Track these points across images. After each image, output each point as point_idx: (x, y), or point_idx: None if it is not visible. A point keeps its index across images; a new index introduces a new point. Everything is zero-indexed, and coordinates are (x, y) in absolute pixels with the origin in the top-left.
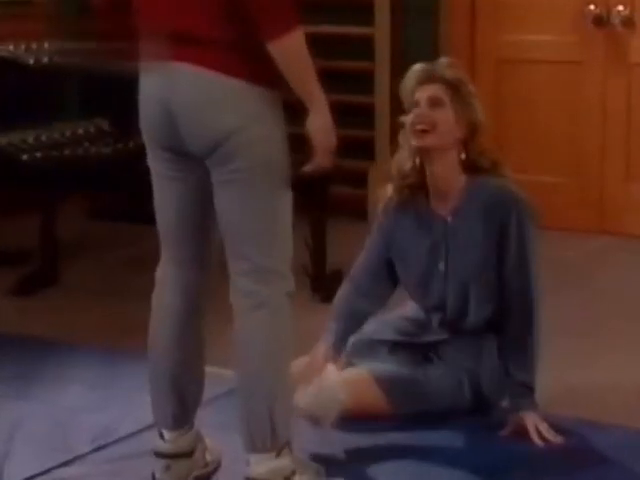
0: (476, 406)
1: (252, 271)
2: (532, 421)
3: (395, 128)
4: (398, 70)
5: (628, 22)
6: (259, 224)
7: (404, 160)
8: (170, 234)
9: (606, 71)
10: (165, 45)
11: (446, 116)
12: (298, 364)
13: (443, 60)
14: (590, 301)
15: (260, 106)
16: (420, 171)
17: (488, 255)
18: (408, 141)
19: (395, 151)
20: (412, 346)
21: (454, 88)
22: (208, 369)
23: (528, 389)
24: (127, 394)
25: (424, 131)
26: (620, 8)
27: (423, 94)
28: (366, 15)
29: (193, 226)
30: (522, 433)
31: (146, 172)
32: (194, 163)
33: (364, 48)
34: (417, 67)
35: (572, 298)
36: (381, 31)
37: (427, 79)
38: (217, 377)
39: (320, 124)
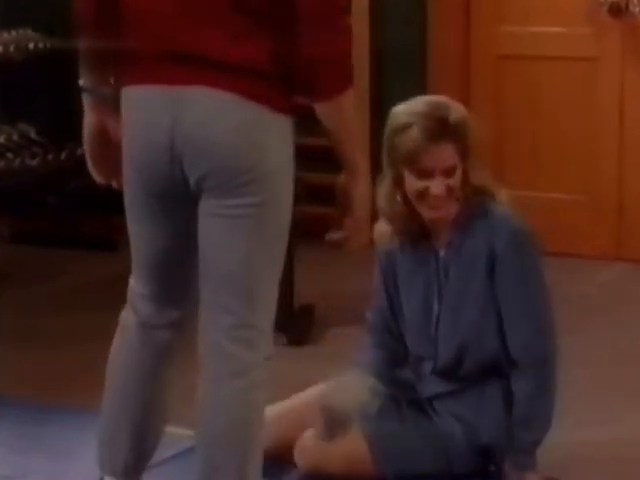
0: (477, 467)
1: (234, 327)
2: None
3: (376, 135)
4: (379, 69)
5: None
6: (250, 271)
7: (392, 199)
8: (150, 272)
9: (624, 68)
10: (173, 66)
11: (457, 181)
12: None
13: (449, 104)
14: (607, 343)
15: (278, 136)
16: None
17: (484, 294)
18: (391, 173)
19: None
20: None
21: (467, 149)
22: None
23: (531, 446)
24: (55, 458)
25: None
26: None
27: (437, 163)
28: None
29: (177, 264)
30: None
31: (81, 189)
32: (186, 203)
33: None
34: (419, 108)
35: (585, 339)
36: (359, 23)
37: (439, 135)
38: (167, 436)
39: (360, 195)
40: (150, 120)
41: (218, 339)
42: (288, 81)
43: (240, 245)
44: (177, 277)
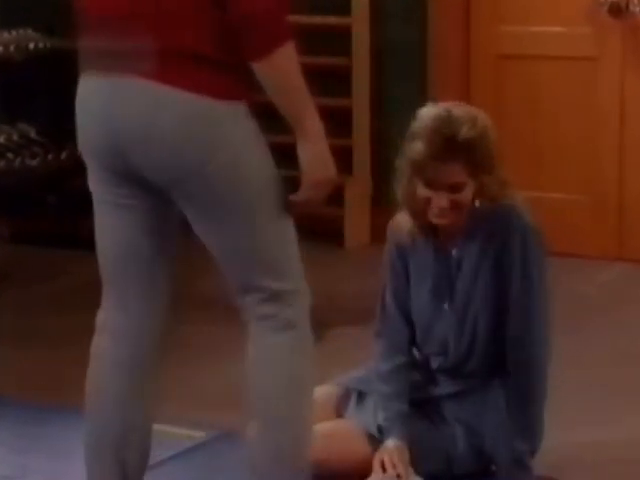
0: (479, 469)
1: (268, 298)
2: None
3: (376, 134)
4: (380, 69)
5: None
6: (261, 253)
7: (406, 195)
8: (116, 272)
9: (624, 68)
10: (118, 57)
11: (466, 197)
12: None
13: (464, 119)
14: (607, 343)
15: (232, 124)
16: None
17: (494, 292)
18: (405, 172)
19: (376, 163)
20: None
21: (479, 166)
22: (156, 427)
23: (524, 457)
24: (55, 458)
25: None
26: None
27: (440, 179)
28: (341, 2)
29: (144, 262)
30: None
31: (82, 189)
32: (148, 188)
33: (339, 41)
34: (429, 122)
35: (585, 339)
36: (360, 21)
37: (444, 153)
38: (167, 437)
39: (312, 153)
40: (93, 113)
41: (258, 309)
42: (238, 68)
43: (238, 237)
44: (146, 280)
